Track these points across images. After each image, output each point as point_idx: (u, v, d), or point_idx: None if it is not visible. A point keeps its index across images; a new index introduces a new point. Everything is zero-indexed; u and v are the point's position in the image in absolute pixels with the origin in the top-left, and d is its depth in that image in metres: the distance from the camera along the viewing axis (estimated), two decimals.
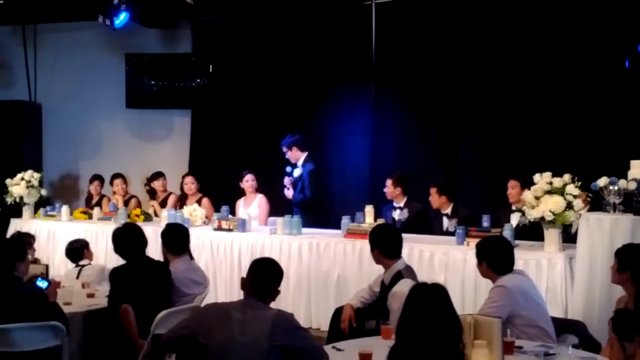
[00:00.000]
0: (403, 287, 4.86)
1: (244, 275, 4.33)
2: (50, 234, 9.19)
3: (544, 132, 8.81)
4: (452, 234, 7.24)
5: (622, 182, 5.81)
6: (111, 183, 10.11)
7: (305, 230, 7.88)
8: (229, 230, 8.09)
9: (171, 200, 9.63)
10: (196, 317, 4.39)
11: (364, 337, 4.86)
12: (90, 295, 6.06)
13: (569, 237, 6.58)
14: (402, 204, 8.29)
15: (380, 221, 7.46)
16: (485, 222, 7.17)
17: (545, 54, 8.80)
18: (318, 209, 8.75)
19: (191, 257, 6.62)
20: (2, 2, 10.07)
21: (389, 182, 8.32)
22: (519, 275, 5.04)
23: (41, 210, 9.63)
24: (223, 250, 8.02)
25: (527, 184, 6.60)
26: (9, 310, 4.77)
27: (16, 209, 9.71)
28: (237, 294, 7.22)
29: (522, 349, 4.40)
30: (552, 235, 6.37)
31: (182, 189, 9.56)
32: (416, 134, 9.77)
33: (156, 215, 9.38)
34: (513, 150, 9.00)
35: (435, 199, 7.97)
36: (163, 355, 5.16)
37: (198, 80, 11.01)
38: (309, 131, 8.95)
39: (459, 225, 7.20)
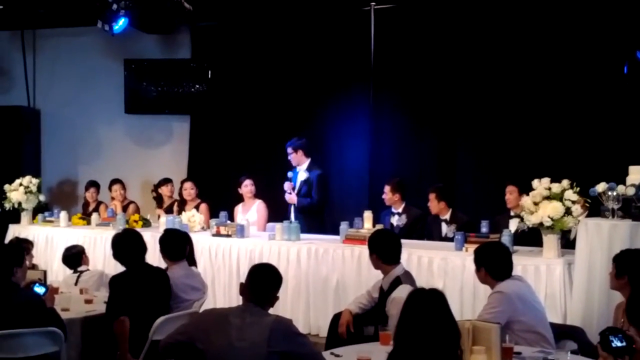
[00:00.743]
0: (402, 292, 4.86)
1: (243, 280, 4.33)
2: (48, 240, 9.18)
3: (543, 138, 8.82)
4: (451, 239, 7.23)
5: (620, 188, 5.80)
6: (110, 188, 10.09)
7: (303, 235, 7.87)
8: (228, 236, 8.07)
9: (177, 207, 9.53)
10: (194, 323, 4.39)
11: (362, 343, 4.85)
12: (89, 302, 6.05)
13: (567, 242, 6.58)
14: (400, 210, 8.29)
15: (379, 227, 7.45)
16: (484, 227, 7.16)
17: (543, 59, 8.82)
18: (322, 214, 8.75)
19: (195, 264, 6.62)
20: (1, 7, 10.07)
21: (387, 188, 8.32)
22: (517, 281, 5.04)
23: (39, 216, 9.62)
24: (222, 256, 8.01)
25: (525, 189, 6.60)
26: (6, 316, 4.76)
27: (14, 215, 9.70)
28: (235, 300, 7.21)
29: (520, 355, 4.39)
30: (550, 241, 6.37)
31: (180, 194, 9.55)
32: (415, 139, 9.78)
33: None
34: (512, 155, 9.00)
35: (434, 204, 7.97)
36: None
37: (197, 86, 11.02)
38: (308, 136, 8.94)
39: (457, 231, 7.20)
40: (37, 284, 5.35)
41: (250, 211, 8.90)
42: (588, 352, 4.76)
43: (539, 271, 6.29)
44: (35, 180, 9.68)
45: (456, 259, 6.73)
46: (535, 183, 6.39)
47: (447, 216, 7.96)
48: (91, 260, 7.42)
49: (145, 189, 11.28)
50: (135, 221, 8.94)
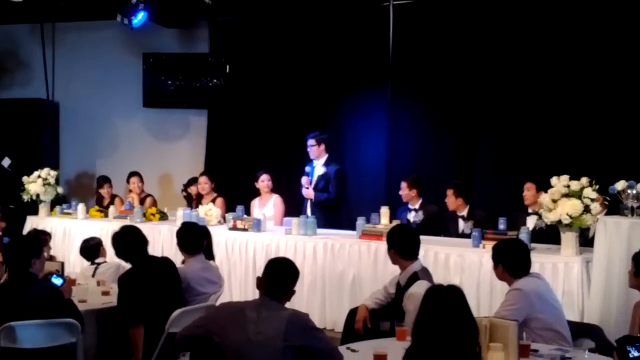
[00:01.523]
0: (419, 288, 4.84)
1: (259, 274, 4.33)
2: (66, 232, 9.22)
3: (562, 135, 8.76)
4: (468, 236, 7.20)
5: None
6: (128, 181, 10.13)
7: (320, 230, 7.86)
8: (244, 230, 8.08)
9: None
10: (211, 316, 4.39)
11: (378, 338, 4.84)
12: (105, 293, 6.07)
13: (586, 240, 6.55)
14: (417, 206, 8.27)
15: (396, 222, 7.43)
16: (502, 224, 7.12)
17: (563, 56, 8.77)
18: (338, 209, 8.75)
19: (213, 258, 6.62)
20: (21, 0, 10.12)
21: (404, 184, 8.30)
22: (535, 278, 5.01)
23: (57, 208, 9.67)
24: (238, 249, 8.02)
25: (544, 186, 6.56)
26: (24, 307, 4.79)
27: (32, 207, 9.76)
28: (251, 294, 7.22)
29: (538, 352, 4.38)
30: (569, 239, 6.33)
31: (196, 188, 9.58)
32: (433, 135, 9.76)
33: None
34: (530, 152, 8.96)
35: (452, 200, 7.94)
36: (177, 353, 5.15)
37: (215, 80, 11.04)
38: (326, 132, 8.93)
39: (475, 228, 7.17)
40: (54, 275, 5.37)
41: (267, 206, 8.90)
42: (605, 350, 4.73)
43: (556, 269, 6.26)
44: (53, 173, 9.73)
45: (473, 255, 6.70)
46: (554, 180, 6.35)
47: (464, 212, 7.93)
48: (108, 253, 7.43)
49: (163, 183, 11.35)
50: (153, 214, 8.97)
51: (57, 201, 9.84)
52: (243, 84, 10.86)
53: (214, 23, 11.07)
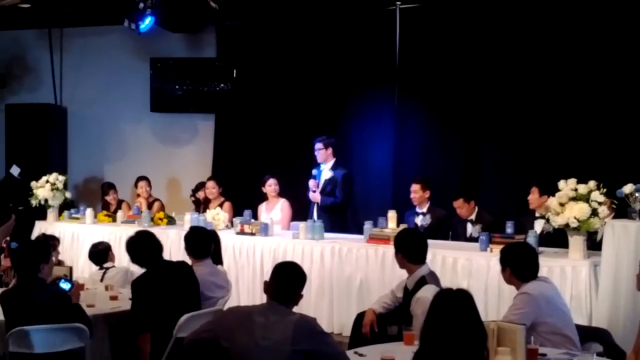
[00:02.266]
0: (427, 292, 4.84)
1: (266, 279, 4.33)
2: (74, 237, 9.24)
3: (569, 138, 8.75)
4: (476, 240, 7.19)
5: None
6: (136, 185, 10.16)
7: (327, 235, 7.87)
8: (252, 234, 8.09)
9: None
10: (219, 321, 4.39)
11: (386, 343, 4.84)
12: (114, 298, 6.08)
13: (593, 244, 6.53)
14: (425, 210, 8.26)
15: (403, 226, 7.42)
16: (509, 228, 7.12)
17: (570, 59, 8.76)
18: (345, 213, 8.75)
19: (221, 262, 6.62)
20: (28, 6, 10.16)
21: (416, 186, 8.25)
22: (543, 282, 5.00)
23: (65, 213, 9.69)
24: (245, 254, 8.03)
25: (550, 190, 6.55)
26: (32, 311, 4.80)
27: (41, 212, 9.78)
28: (259, 298, 7.22)
29: (546, 357, 4.36)
30: (576, 242, 6.32)
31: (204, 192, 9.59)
32: (439, 139, 9.75)
33: None
34: (537, 156, 8.95)
35: (465, 208, 7.91)
36: (185, 358, 5.16)
37: (222, 85, 11.06)
38: (333, 136, 8.94)
39: (482, 232, 7.16)
40: (62, 280, 5.39)
41: (274, 210, 8.91)
42: (614, 354, 4.74)
43: (564, 272, 6.25)
44: (61, 178, 9.75)
45: (481, 259, 6.70)
46: (561, 184, 6.34)
47: (472, 216, 7.92)
48: (116, 257, 7.45)
49: (170, 187, 11.37)
50: (160, 219, 8.98)
51: (66, 206, 9.87)
52: (250, 88, 10.87)
53: (220, 28, 11.09)
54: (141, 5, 9.26)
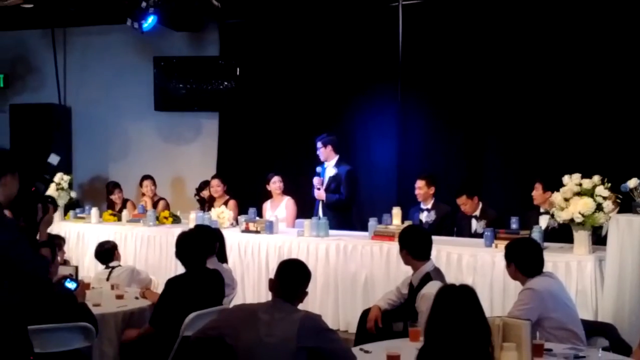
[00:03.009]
0: (432, 288, 4.83)
1: (272, 276, 4.34)
2: (79, 236, 9.26)
3: (573, 133, 8.73)
4: (481, 236, 7.18)
5: None
6: (140, 184, 10.17)
7: (332, 232, 7.87)
8: (257, 232, 8.10)
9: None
10: (224, 319, 4.39)
11: (391, 339, 4.85)
12: (120, 297, 6.09)
13: (598, 239, 6.52)
14: (429, 206, 8.25)
15: (408, 223, 7.43)
16: (514, 224, 7.11)
17: (572, 54, 8.74)
18: (350, 210, 8.75)
19: (226, 260, 6.62)
20: (31, 6, 10.18)
21: (421, 182, 8.24)
22: (548, 277, 5.00)
23: (71, 213, 9.72)
24: (250, 252, 8.03)
25: (554, 185, 6.54)
26: (38, 311, 4.81)
27: None
28: (264, 296, 7.23)
29: (551, 352, 4.36)
30: (581, 237, 6.31)
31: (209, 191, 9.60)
32: (443, 135, 9.74)
33: None
34: (540, 151, 8.93)
35: (469, 204, 7.91)
36: (191, 356, 5.17)
37: (225, 83, 11.06)
38: (336, 133, 8.94)
39: (487, 227, 7.16)
40: (68, 280, 5.40)
41: (279, 208, 8.92)
42: (620, 349, 4.73)
43: (569, 268, 6.24)
44: (66, 177, 9.78)
45: (486, 255, 6.69)
46: (566, 179, 6.33)
47: (477, 212, 7.92)
48: (122, 256, 7.47)
49: (175, 186, 11.38)
50: (165, 217, 9.00)
51: (71, 205, 9.89)
52: (253, 86, 10.88)
53: (223, 26, 11.09)
54: (144, 4, 9.28)
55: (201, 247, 5.67)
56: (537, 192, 7.43)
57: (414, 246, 5.39)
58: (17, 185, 3.96)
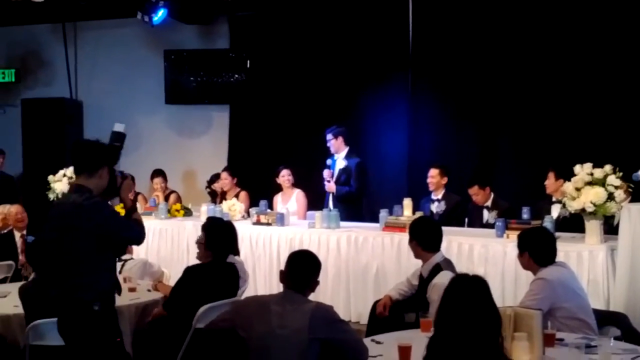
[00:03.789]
0: (443, 278, 4.83)
1: (283, 268, 4.35)
2: None
3: (584, 123, 8.71)
4: (492, 226, 7.17)
5: None
6: (151, 180, 10.19)
7: (343, 223, 7.88)
8: (268, 224, 8.12)
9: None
10: (236, 311, 4.42)
11: (403, 330, 4.85)
12: (132, 290, 6.12)
13: (610, 228, 6.50)
14: (440, 196, 8.24)
15: (419, 214, 7.43)
16: (525, 214, 7.11)
17: (584, 44, 8.71)
18: (360, 202, 8.75)
19: (237, 253, 6.64)
20: (42, 0, 10.20)
21: (435, 171, 8.23)
22: (560, 267, 4.99)
23: None
24: (262, 244, 8.05)
25: (566, 174, 6.53)
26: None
27: None
28: (276, 287, 7.23)
29: (563, 341, 4.36)
30: (593, 227, 6.30)
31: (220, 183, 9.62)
32: (454, 126, 9.74)
33: None
34: (552, 141, 8.91)
35: (481, 194, 7.89)
36: (204, 348, 5.19)
37: (236, 76, 11.07)
38: (347, 125, 8.93)
39: (498, 218, 7.14)
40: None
41: (290, 201, 8.92)
42: (632, 338, 4.72)
43: (581, 257, 6.23)
44: None
45: (497, 245, 6.69)
46: (577, 168, 6.32)
47: (488, 203, 7.90)
48: (134, 249, 7.50)
49: (186, 179, 11.41)
50: (177, 210, 9.02)
51: None
52: (264, 78, 10.88)
53: (233, 18, 11.09)
54: None
55: (232, 241, 5.87)
56: (550, 181, 7.42)
57: (424, 237, 5.39)
58: (108, 178, 4.46)
